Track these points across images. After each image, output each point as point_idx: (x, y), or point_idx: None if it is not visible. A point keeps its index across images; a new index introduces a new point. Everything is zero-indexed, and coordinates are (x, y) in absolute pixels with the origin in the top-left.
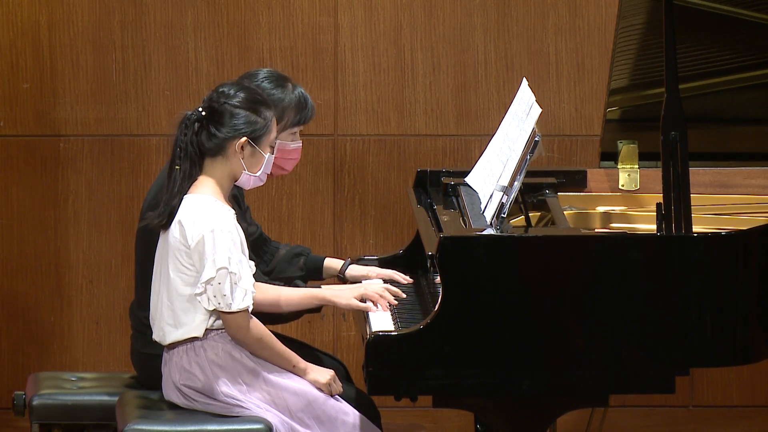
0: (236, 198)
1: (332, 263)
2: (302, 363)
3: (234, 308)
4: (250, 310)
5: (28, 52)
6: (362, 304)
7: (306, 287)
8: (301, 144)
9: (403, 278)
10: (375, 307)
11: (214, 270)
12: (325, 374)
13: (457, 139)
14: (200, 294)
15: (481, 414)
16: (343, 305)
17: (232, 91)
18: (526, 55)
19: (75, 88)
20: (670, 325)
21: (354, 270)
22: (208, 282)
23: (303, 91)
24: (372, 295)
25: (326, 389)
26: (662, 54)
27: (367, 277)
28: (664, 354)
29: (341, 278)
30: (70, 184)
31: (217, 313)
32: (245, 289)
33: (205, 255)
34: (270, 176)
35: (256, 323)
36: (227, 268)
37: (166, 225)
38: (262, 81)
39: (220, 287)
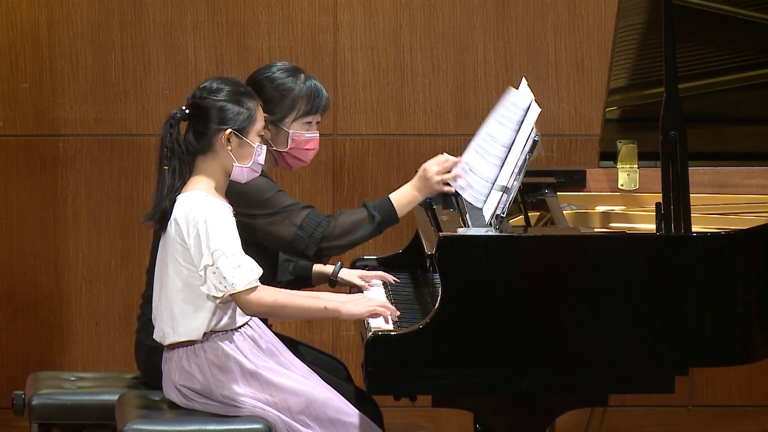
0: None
1: (321, 268)
2: (332, 303)
3: (239, 288)
4: (257, 285)
5: (27, 52)
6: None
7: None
8: (317, 134)
9: (393, 279)
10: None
11: (210, 254)
12: (360, 303)
13: (456, 139)
14: (203, 284)
15: (480, 414)
16: (346, 318)
17: (214, 85)
18: (526, 55)
19: (74, 87)
20: (670, 325)
21: (345, 273)
22: (206, 268)
23: (317, 83)
24: (382, 311)
25: (375, 314)
26: (661, 54)
27: (356, 282)
28: (664, 354)
29: (333, 281)
30: (69, 184)
31: (217, 315)
32: (250, 268)
33: (201, 244)
34: (290, 169)
35: (264, 290)
36: (222, 251)
37: (162, 226)
38: (276, 72)
39: (219, 271)
